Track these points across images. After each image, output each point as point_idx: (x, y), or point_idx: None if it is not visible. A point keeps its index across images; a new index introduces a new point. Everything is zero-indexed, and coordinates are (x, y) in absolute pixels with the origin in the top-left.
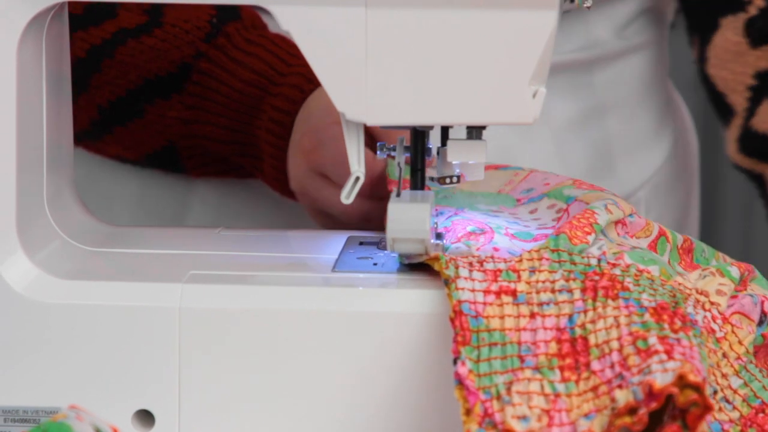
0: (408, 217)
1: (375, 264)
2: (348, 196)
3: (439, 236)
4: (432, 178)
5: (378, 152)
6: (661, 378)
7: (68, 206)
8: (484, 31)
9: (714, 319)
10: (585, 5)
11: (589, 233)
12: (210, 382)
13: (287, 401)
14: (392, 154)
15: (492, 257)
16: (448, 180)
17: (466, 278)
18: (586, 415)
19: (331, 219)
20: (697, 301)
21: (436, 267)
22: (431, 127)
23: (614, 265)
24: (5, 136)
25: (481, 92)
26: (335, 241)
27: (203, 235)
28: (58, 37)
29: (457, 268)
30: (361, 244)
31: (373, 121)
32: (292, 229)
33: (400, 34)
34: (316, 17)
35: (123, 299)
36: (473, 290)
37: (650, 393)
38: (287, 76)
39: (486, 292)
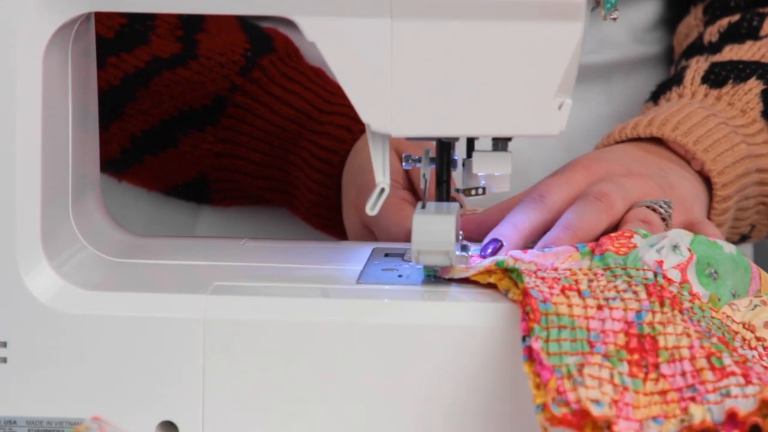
0: (433, 229)
1: (400, 276)
2: (372, 207)
3: (464, 248)
4: (458, 190)
5: (403, 163)
6: (743, 404)
7: (93, 216)
8: (510, 42)
9: (761, 356)
10: (611, 17)
11: (630, 237)
12: (234, 394)
13: (312, 414)
14: (417, 165)
15: (545, 269)
16: (473, 192)
17: (528, 281)
18: (655, 418)
19: None
20: (744, 339)
21: (493, 278)
22: (457, 139)
23: (671, 282)
24: (30, 145)
25: (506, 104)
26: (360, 252)
27: (228, 247)
28: (85, 47)
29: (518, 273)
30: (386, 255)
31: (398, 132)
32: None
33: (426, 45)
34: (342, 28)
35: (147, 310)
36: (537, 286)
37: (733, 419)
38: (330, 114)
39: (550, 287)
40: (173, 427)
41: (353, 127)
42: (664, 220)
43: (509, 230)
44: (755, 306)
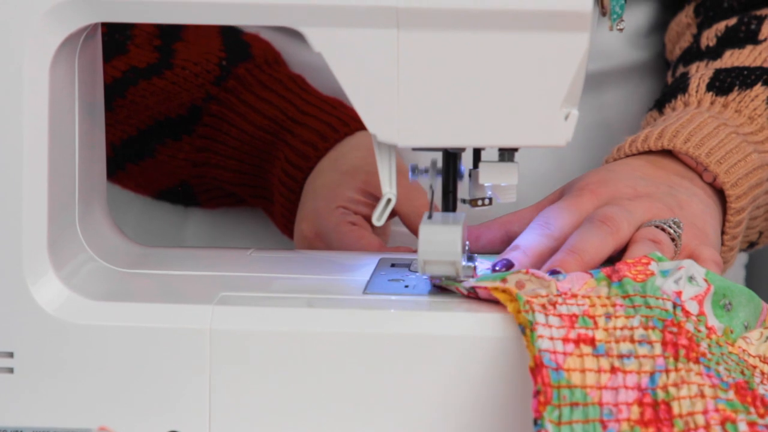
0: (439, 240)
1: (406, 286)
2: (379, 218)
3: (471, 258)
4: (464, 200)
5: (410, 174)
6: None
7: (99, 227)
8: (517, 53)
9: None
10: (618, 28)
11: (647, 264)
12: (240, 405)
13: (318, 424)
14: (424, 176)
15: (562, 294)
16: (479, 202)
17: (543, 325)
18: None
19: None
20: (762, 373)
21: (510, 307)
22: (463, 150)
23: (688, 315)
24: (37, 157)
25: (513, 114)
26: (367, 263)
27: (234, 257)
28: (91, 58)
29: (533, 312)
30: (392, 266)
31: (404, 142)
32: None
33: (433, 55)
34: (348, 39)
35: (154, 320)
36: (552, 338)
37: None
38: (302, 126)
39: (564, 340)
40: None
41: (319, 145)
42: (673, 240)
43: (520, 255)
44: (766, 339)
